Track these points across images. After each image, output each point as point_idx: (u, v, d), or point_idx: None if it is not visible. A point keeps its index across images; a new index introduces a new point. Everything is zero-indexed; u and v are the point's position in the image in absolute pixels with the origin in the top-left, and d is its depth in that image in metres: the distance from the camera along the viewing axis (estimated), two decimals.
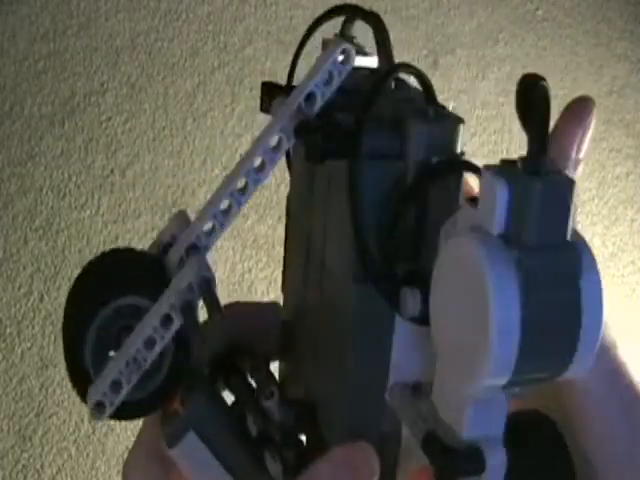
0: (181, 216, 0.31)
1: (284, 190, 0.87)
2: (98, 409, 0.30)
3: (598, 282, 0.25)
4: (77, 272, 0.31)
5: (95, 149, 0.86)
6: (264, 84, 0.31)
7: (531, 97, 0.23)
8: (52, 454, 0.82)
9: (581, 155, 0.28)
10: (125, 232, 0.85)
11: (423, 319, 0.26)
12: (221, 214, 0.30)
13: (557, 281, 0.24)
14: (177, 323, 0.29)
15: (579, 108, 0.29)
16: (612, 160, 1.06)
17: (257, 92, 0.32)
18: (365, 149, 0.27)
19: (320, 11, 0.32)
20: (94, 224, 0.84)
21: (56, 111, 0.85)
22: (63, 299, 0.31)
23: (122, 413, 0.31)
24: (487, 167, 0.24)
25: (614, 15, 1.08)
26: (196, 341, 0.31)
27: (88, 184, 0.85)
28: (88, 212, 0.84)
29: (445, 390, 0.27)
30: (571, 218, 0.24)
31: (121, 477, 0.34)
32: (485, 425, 0.26)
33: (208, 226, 0.29)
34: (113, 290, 0.30)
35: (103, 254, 0.31)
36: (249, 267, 0.89)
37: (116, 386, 0.30)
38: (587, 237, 0.26)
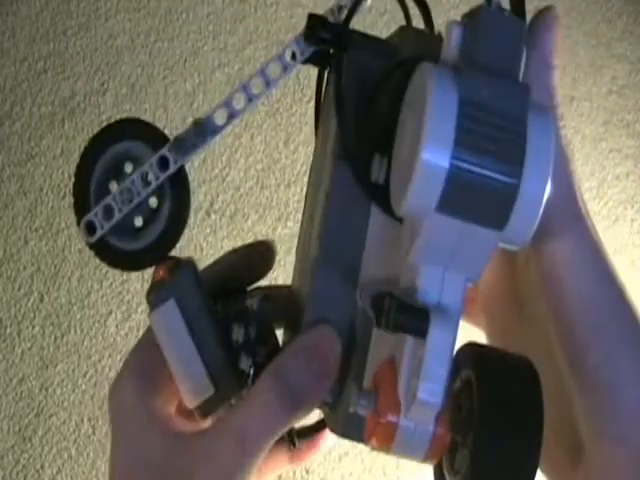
0: None
1: (284, 190, 0.87)
2: (88, 229, 0.33)
3: (548, 129, 0.25)
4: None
5: None
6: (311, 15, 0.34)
7: None
8: (52, 454, 0.82)
9: (556, 62, 0.30)
10: None
11: (386, 188, 0.28)
12: (234, 110, 0.33)
13: (500, 107, 0.25)
14: (173, 167, 0.32)
15: (547, 18, 0.31)
16: (612, 160, 1.06)
17: None
18: (356, 43, 0.31)
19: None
20: None
21: (56, 111, 0.85)
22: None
23: (121, 261, 0.33)
24: None
25: (614, 15, 1.08)
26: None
27: None
28: None
29: (405, 244, 0.28)
30: (522, 59, 0.26)
31: (107, 400, 0.33)
32: (439, 291, 0.26)
33: (219, 114, 0.33)
34: (125, 133, 0.33)
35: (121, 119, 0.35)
36: None
37: (108, 210, 0.33)
38: None
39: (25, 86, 0.85)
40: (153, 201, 0.33)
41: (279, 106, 0.91)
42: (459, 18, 0.27)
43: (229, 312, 0.33)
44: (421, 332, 0.25)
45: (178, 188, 0.32)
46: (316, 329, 0.30)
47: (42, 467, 0.81)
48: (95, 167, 0.33)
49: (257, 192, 0.91)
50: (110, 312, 0.81)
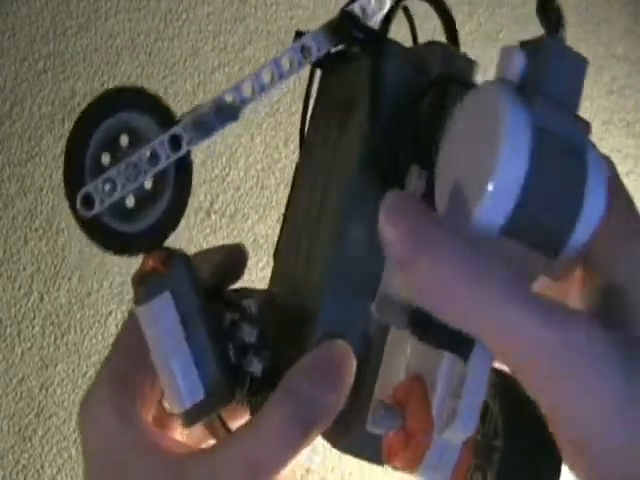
0: None
1: (284, 190, 0.87)
2: (85, 203, 0.30)
3: (602, 168, 0.25)
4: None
5: None
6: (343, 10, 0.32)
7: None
8: (52, 454, 0.82)
9: None
10: None
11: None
12: (263, 83, 0.31)
13: (566, 140, 0.24)
14: (185, 148, 0.29)
15: None
16: (612, 160, 1.06)
17: None
18: (388, 51, 0.30)
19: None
20: None
21: (56, 111, 0.85)
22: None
23: (118, 244, 0.30)
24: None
25: (614, 15, 1.08)
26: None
27: None
28: None
29: None
30: (582, 94, 0.26)
31: (78, 418, 0.30)
32: None
33: (246, 87, 0.31)
34: (130, 103, 0.30)
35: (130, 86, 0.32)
36: (249, 267, 0.89)
37: (110, 184, 0.30)
38: None
39: (25, 86, 0.85)
40: (148, 183, 0.31)
41: (279, 106, 0.91)
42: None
43: (223, 313, 0.31)
44: (465, 353, 0.24)
45: (183, 173, 0.30)
46: (328, 343, 0.28)
47: (42, 467, 0.81)
48: (92, 135, 0.30)
49: (257, 192, 0.91)
50: (110, 312, 0.81)
